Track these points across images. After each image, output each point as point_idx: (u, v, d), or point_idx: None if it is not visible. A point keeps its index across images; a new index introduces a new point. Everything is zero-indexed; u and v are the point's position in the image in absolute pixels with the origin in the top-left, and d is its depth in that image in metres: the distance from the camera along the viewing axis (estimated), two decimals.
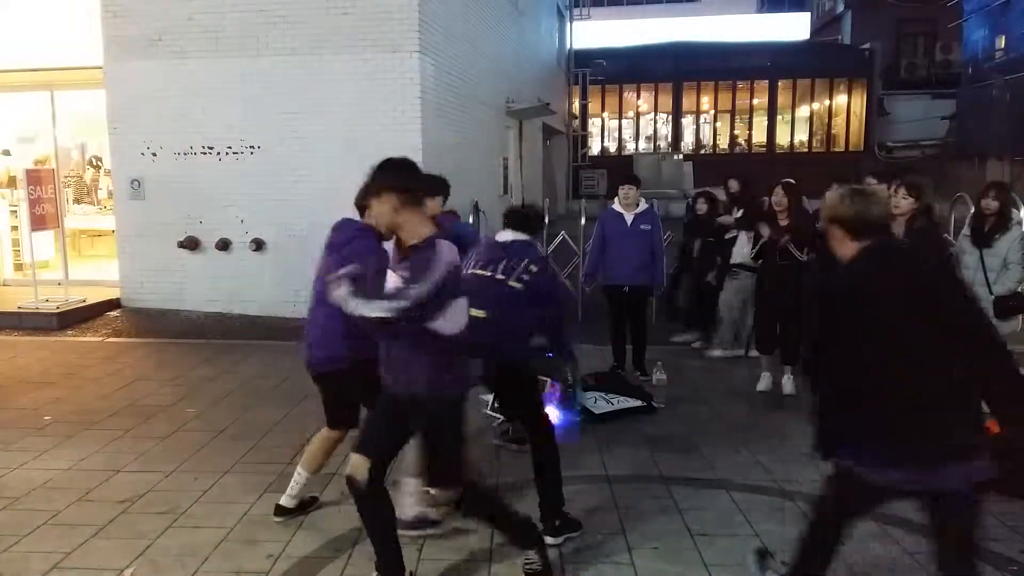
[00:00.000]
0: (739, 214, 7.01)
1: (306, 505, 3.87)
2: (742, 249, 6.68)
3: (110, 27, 8.67)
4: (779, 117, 24.69)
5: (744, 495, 4.11)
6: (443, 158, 9.20)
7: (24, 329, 8.28)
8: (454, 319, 2.85)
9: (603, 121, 25.65)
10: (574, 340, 3.97)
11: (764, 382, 6.03)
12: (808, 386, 2.71)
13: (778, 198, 5.77)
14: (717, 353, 7.05)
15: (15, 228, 10.08)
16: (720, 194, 7.52)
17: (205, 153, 8.65)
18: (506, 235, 3.73)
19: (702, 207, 7.50)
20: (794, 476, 4.35)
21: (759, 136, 24.79)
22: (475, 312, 3.26)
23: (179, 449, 4.83)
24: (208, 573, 3.37)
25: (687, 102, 24.92)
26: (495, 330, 3.41)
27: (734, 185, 7.22)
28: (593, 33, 23.31)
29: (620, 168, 16.18)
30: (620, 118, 25.47)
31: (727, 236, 6.99)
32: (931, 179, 5.82)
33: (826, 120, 24.90)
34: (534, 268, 3.55)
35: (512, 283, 3.53)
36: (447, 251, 2.79)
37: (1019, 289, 5.29)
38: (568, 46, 20.62)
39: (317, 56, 8.39)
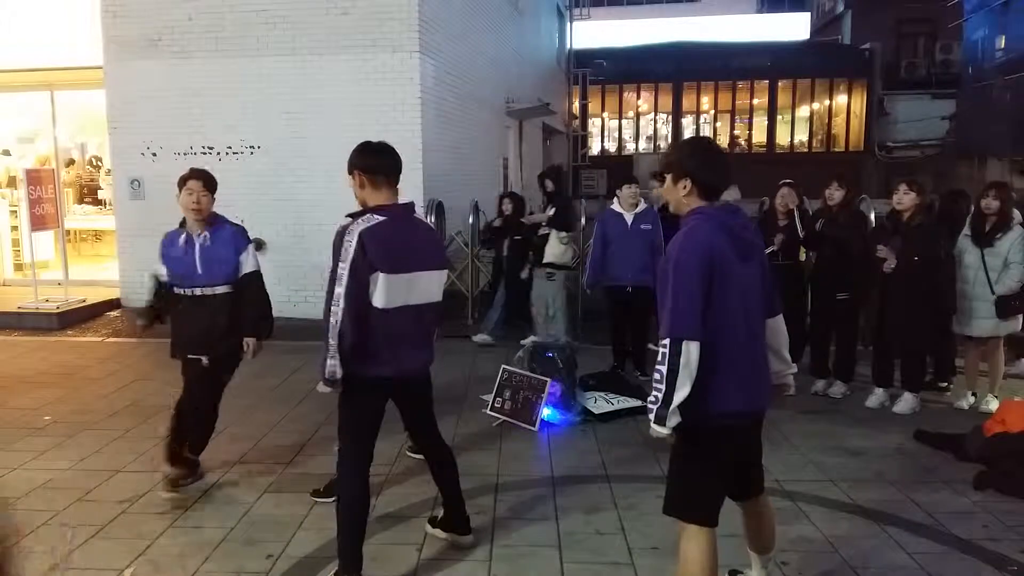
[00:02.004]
0: (552, 211, 7.13)
1: None
2: (554, 248, 6.86)
3: (110, 27, 8.67)
4: (779, 117, 24.67)
5: None
6: (443, 158, 9.21)
7: (24, 329, 8.28)
8: None
9: (603, 121, 25.63)
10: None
11: None
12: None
13: (785, 199, 5.78)
14: (480, 338, 7.31)
15: (15, 228, 10.09)
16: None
17: (205, 153, 8.64)
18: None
19: (507, 207, 7.80)
20: (794, 476, 4.35)
21: (759, 136, 24.77)
22: None
23: None
24: (208, 573, 3.37)
25: (687, 102, 24.91)
26: None
27: (550, 185, 7.38)
28: (593, 33, 23.30)
29: (620, 168, 16.17)
30: (620, 118, 25.45)
31: (540, 233, 7.22)
32: (931, 179, 5.88)
33: (826, 120, 24.88)
34: None
35: None
36: None
37: (1021, 289, 5.30)
38: (568, 46, 20.61)
39: (317, 56, 8.39)
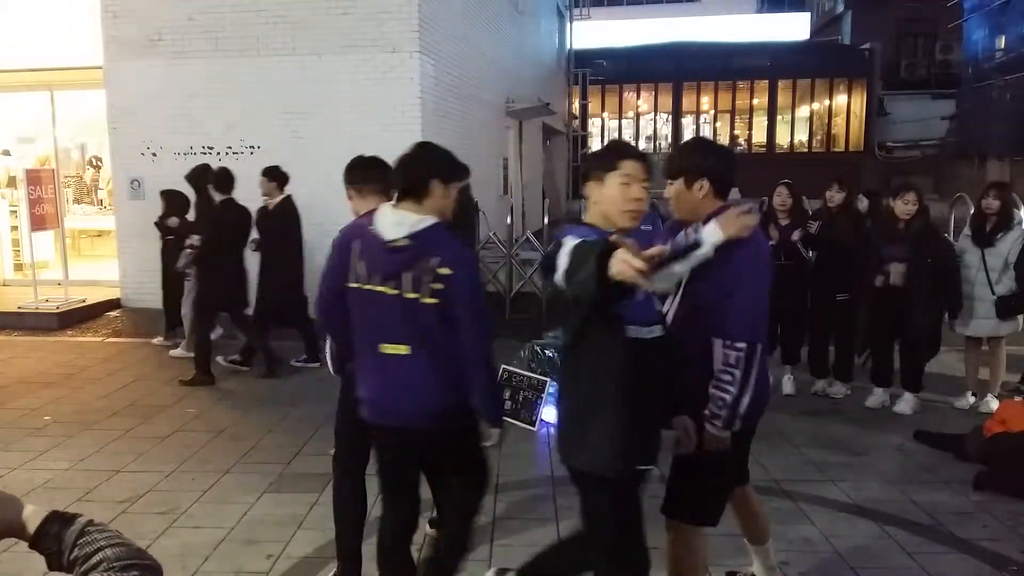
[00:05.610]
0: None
1: None
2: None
3: (110, 27, 8.67)
4: (779, 117, 24.67)
5: None
6: None
7: (24, 329, 8.28)
8: None
9: (603, 121, 25.62)
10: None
11: None
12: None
13: (782, 198, 5.76)
14: (178, 352, 7.26)
15: (15, 228, 10.09)
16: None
17: (205, 153, 8.63)
18: (397, 217, 2.48)
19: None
20: (794, 476, 4.35)
21: (759, 136, 24.77)
22: (392, 348, 2.48)
23: (179, 449, 4.83)
24: (208, 573, 3.37)
25: (687, 102, 24.91)
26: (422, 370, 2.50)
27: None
28: (593, 33, 23.28)
29: None
30: (620, 118, 25.45)
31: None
32: (931, 179, 5.88)
33: (826, 120, 24.88)
34: (446, 270, 2.43)
35: (426, 300, 2.43)
36: None
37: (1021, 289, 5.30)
38: (568, 46, 20.60)
39: (317, 56, 8.39)
